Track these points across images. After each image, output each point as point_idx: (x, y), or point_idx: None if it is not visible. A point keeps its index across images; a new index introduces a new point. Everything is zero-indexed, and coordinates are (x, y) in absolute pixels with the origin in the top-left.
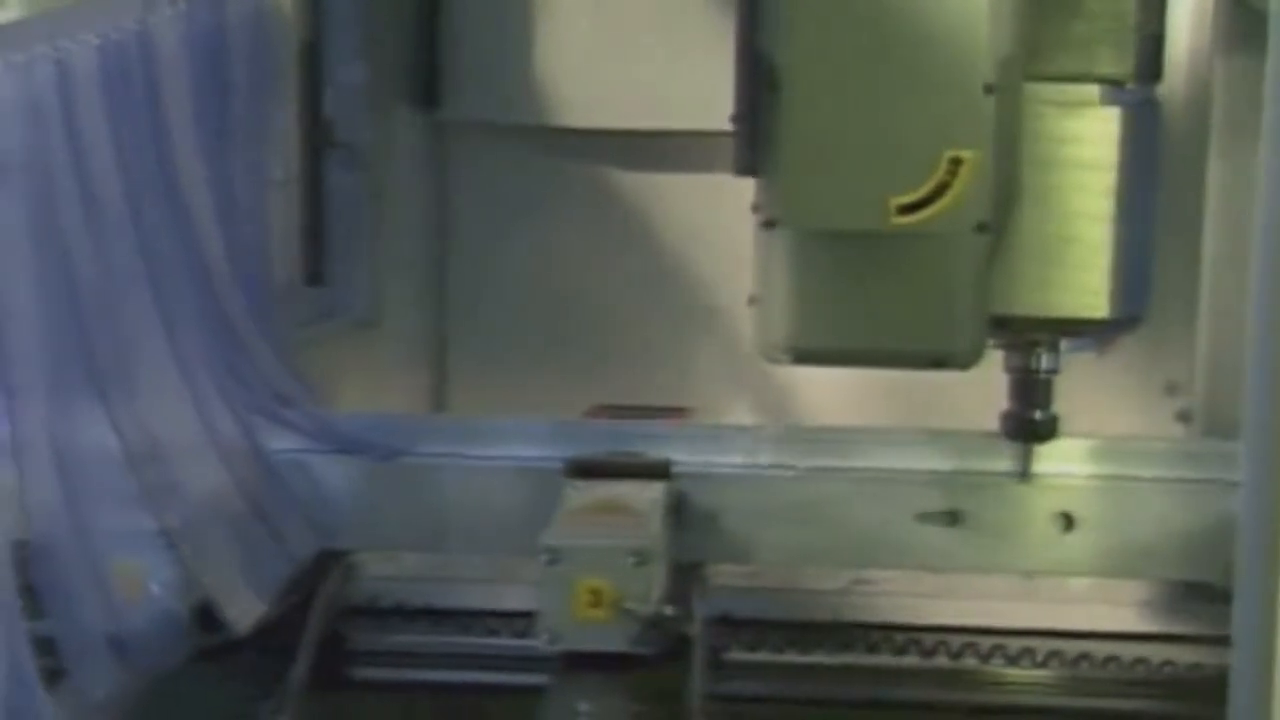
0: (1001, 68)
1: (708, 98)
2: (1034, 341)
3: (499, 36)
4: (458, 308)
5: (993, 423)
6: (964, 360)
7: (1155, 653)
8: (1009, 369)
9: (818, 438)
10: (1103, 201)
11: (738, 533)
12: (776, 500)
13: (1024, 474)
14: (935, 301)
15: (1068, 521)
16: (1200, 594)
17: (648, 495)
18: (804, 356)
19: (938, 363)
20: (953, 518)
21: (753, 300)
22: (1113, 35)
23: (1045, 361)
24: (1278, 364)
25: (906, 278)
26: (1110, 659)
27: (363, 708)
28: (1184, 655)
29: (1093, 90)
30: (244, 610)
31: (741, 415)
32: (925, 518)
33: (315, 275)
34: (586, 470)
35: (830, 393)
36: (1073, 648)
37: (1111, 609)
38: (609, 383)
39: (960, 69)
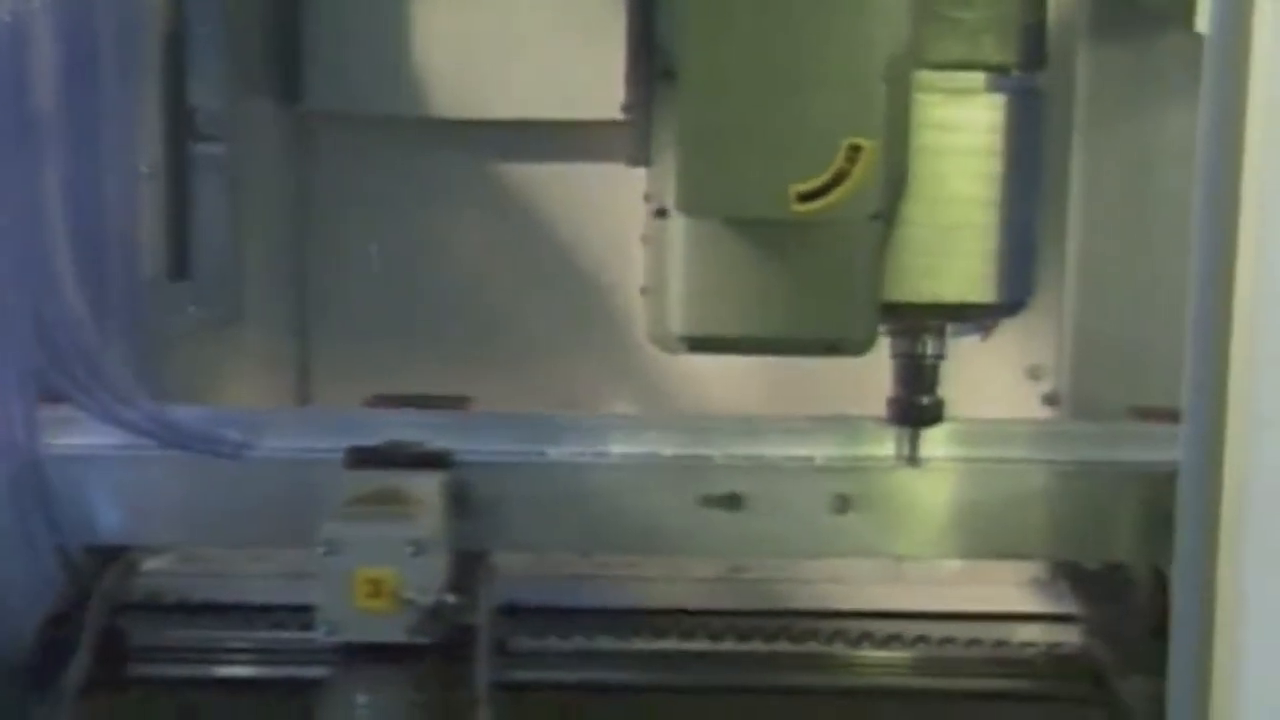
0: (896, 55)
1: (594, 87)
2: (921, 327)
3: (365, 27)
4: (322, 302)
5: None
6: (858, 347)
7: (1019, 634)
8: (895, 355)
9: (595, 424)
10: (988, 188)
11: (522, 522)
12: (561, 489)
13: (912, 458)
14: (830, 289)
15: (845, 503)
16: (1068, 574)
17: (427, 484)
18: (698, 345)
19: (832, 349)
20: (734, 501)
21: (645, 290)
22: (997, 24)
23: (931, 347)
24: (1216, 352)
25: (802, 265)
26: (974, 641)
27: (143, 705)
28: (1050, 636)
29: (978, 78)
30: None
31: (631, 406)
32: (707, 501)
33: (179, 269)
34: (365, 460)
35: (722, 383)
36: (938, 630)
37: (981, 589)
38: (479, 378)
39: (859, 56)
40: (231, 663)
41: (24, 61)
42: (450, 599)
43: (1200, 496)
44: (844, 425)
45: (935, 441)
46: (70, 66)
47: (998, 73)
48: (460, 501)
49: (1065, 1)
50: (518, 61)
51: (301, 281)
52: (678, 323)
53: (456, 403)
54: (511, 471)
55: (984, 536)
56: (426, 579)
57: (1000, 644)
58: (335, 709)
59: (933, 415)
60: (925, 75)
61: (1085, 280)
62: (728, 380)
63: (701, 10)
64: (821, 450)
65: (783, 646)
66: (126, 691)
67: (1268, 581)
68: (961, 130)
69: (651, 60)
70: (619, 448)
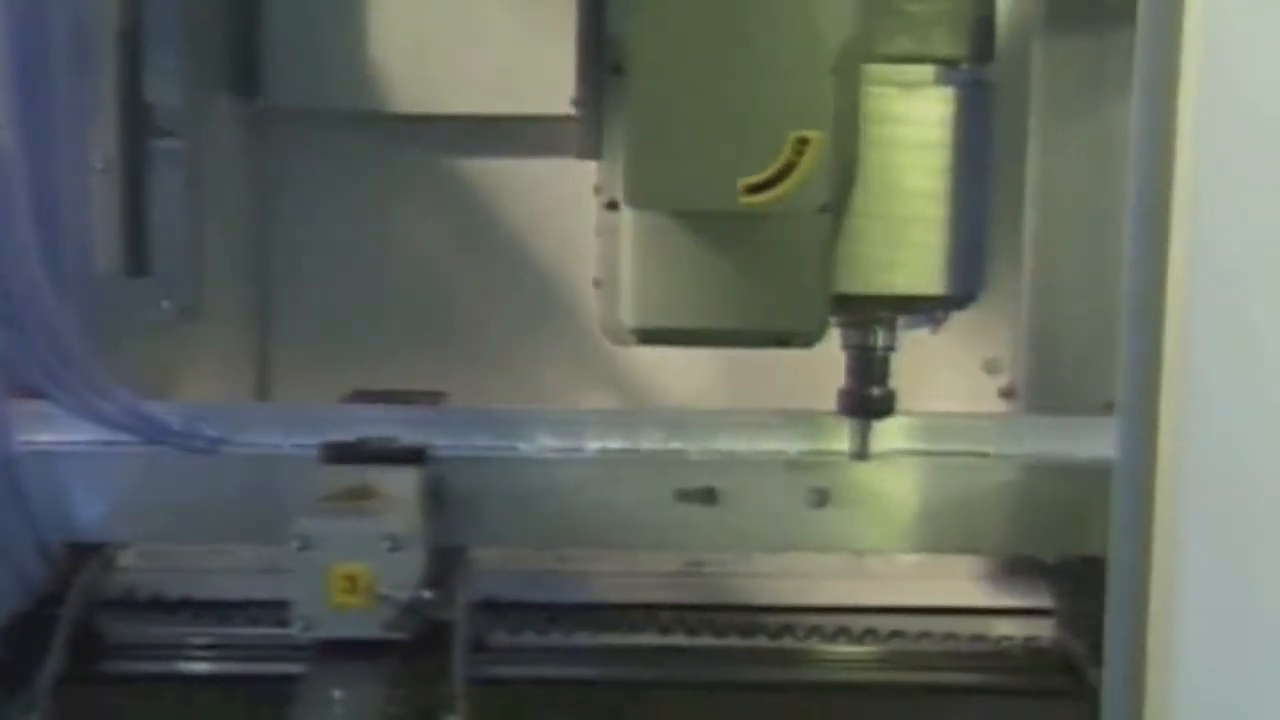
0: (843, 49)
1: (546, 82)
2: (872, 319)
3: (321, 22)
4: (280, 297)
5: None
6: (808, 339)
7: (989, 627)
8: (846, 346)
9: (571, 419)
10: (937, 180)
11: (498, 516)
12: (536, 483)
13: (862, 452)
14: (780, 281)
15: (821, 498)
16: (1028, 568)
17: (403, 479)
18: (649, 337)
19: (782, 341)
20: (710, 495)
21: (597, 282)
22: (947, 17)
23: (882, 339)
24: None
25: (751, 257)
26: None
27: (118, 702)
28: (1018, 629)
29: (927, 71)
30: None
31: (587, 400)
32: (683, 496)
33: (136, 265)
34: (340, 455)
35: (676, 376)
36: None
37: (942, 584)
38: (442, 372)
39: (806, 49)
40: (207, 659)
41: None
42: (426, 594)
43: (1134, 489)
44: (809, 419)
45: (895, 434)
46: (22, 62)
47: (947, 66)
48: (436, 497)
49: None
50: (474, 57)
51: (261, 277)
52: (628, 315)
53: (431, 398)
54: (487, 466)
55: (959, 532)
56: (403, 574)
57: (973, 638)
58: (311, 705)
59: (883, 407)
60: (875, 68)
61: (1042, 274)
62: (687, 372)
63: (649, 4)
64: (794, 444)
65: (761, 642)
66: (101, 687)
67: (1202, 573)
68: (911, 123)
69: (602, 55)
70: (593, 442)
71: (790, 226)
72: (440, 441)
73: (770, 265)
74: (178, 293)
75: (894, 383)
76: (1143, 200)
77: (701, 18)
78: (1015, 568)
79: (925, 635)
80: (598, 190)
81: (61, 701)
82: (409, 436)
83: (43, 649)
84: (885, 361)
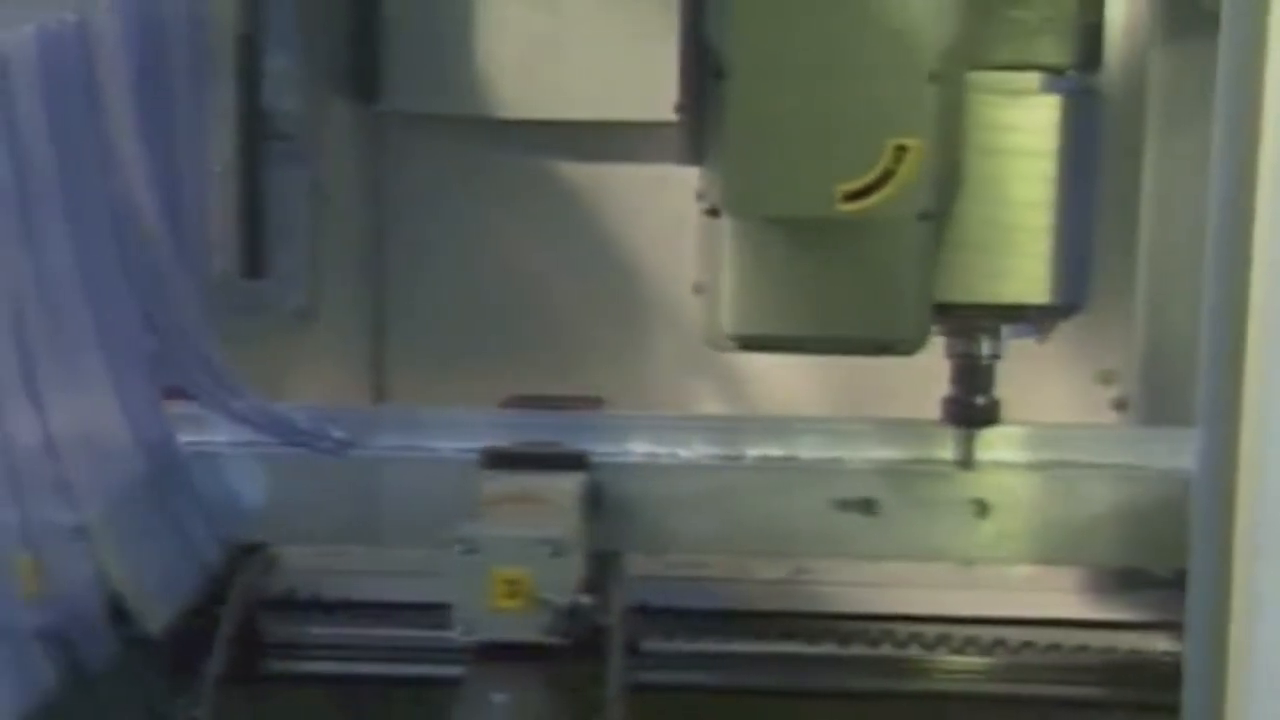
0: (945, 55)
1: (652, 88)
2: (976, 328)
3: (438, 27)
4: (396, 300)
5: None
6: (908, 346)
7: (1096, 639)
8: (951, 355)
9: (729, 426)
10: (1043, 189)
11: (654, 522)
12: (691, 489)
13: (966, 461)
14: (880, 288)
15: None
16: (1135, 580)
17: (564, 485)
18: (749, 343)
19: (882, 349)
20: (869, 505)
21: (698, 288)
22: (1053, 24)
23: (987, 347)
24: (1231, 352)
25: (851, 265)
26: (1053, 646)
27: (279, 701)
28: (1124, 641)
29: (1033, 79)
30: (154, 614)
31: (686, 404)
32: (842, 505)
33: (252, 268)
34: (502, 461)
35: (782, 380)
36: (1016, 635)
37: (1050, 595)
38: (553, 374)
39: (905, 56)
40: (365, 660)
41: (93, 62)
42: (585, 599)
43: (1214, 504)
44: (911, 428)
45: (1003, 444)
46: (140, 68)
47: (1054, 73)
48: (594, 502)
49: (1138, 3)
50: (584, 62)
51: (377, 280)
52: (727, 321)
53: (589, 403)
54: (645, 472)
55: (1086, 544)
56: (563, 580)
57: (1080, 649)
58: (470, 708)
59: (988, 416)
60: (981, 75)
61: (1156, 285)
62: (793, 377)
63: (748, 10)
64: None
65: (914, 652)
66: (262, 686)
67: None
68: (1017, 131)
69: (703, 60)
70: (752, 449)
71: (890, 233)
72: (599, 447)
73: (870, 272)
74: (295, 295)
75: (1006, 392)
76: (1224, 209)
77: (800, 24)
78: (1128, 581)
79: (1051, 647)
80: (699, 196)
81: (223, 700)
82: (568, 442)
83: (205, 648)
84: (990, 371)
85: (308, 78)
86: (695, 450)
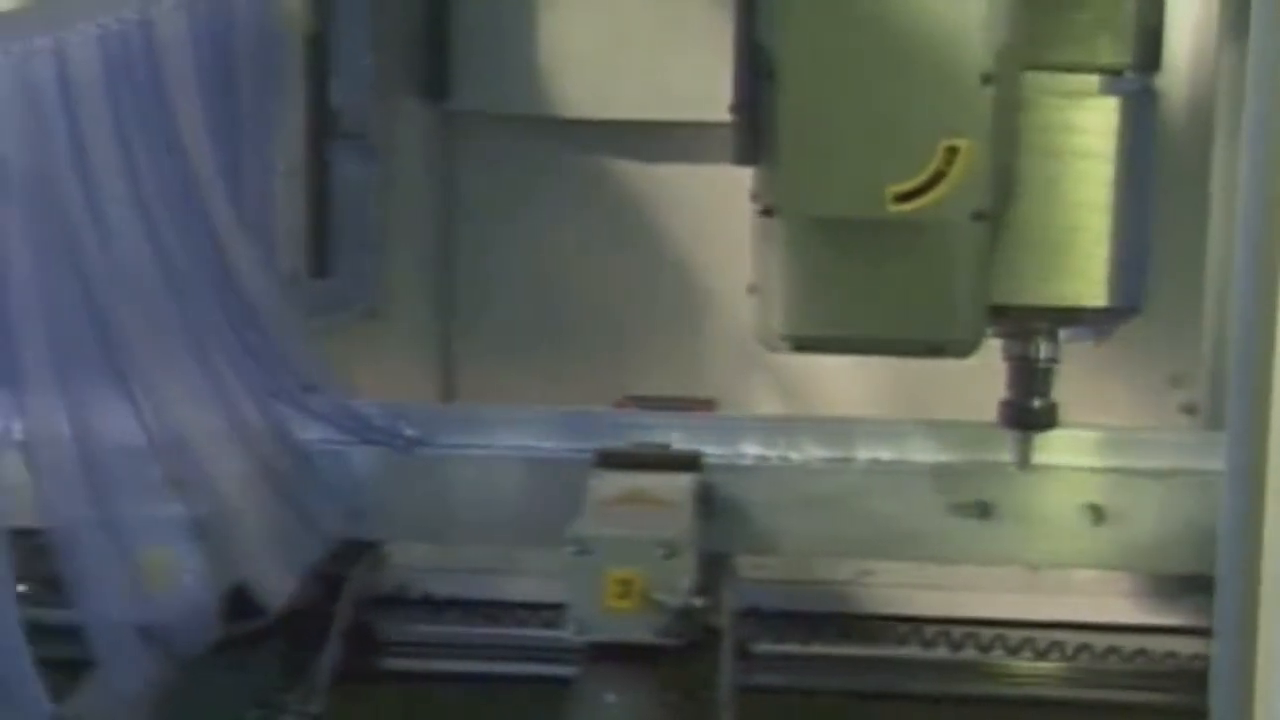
0: (999, 57)
1: (710, 88)
2: (1033, 330)
3: (506, 27)
4: (463, 298)
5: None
6: (962, 348)
7: (1156, 644)
8: (1008, 357)
9: (839, 429)
10: (1101, 191)
11: (764, 524)
12: (802, 492)
13: (1023, 463)
14: (933, 289)
15: (1097, 514)
16: (1196, 586)
17: (677, 486)
18: (802, 344)
19: (935, 350)
20: (984, 509)
21: (752, 288)
22: (1111, 25)
23: (1044, 350)
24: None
25: (905, 266)
26: (1111, 650)
27: (390, 698)
28: (1185, 647)
29: (1092, 80)
30: (274, 590)
31: (743, 402)
32: (956, 509)
33: (321, 266)
34: (615, 461)
35: (835, 381)
36: (1074, 639)
37: (1111, 600)
38: (615, 372)
39: (956, 58)
40: (475, 658)
41: (159, 60)
42: (698, 601)
43: (1243, 506)
44: (966, 430)
45: (1066, 448)
46: (207, 66)
47: (1112, 75)
48: (706, 503)
49: (1204, 6)
50: (644, 61)
51: (445, 279)
52: (781, 322)
53: (702, 405)
54: (757, 474)
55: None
56: (676, 581)
57: (1138, 654)
58: (583, 707)
59: (1045, 420)
60: (1038, 76)
61: (1225, 287)
62: (850, 376)
63: (800, 11)
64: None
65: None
66: (373, 683)
67: None
68: (1075, 132)
69: (757, 60)
70: (864, 452)
71: (944, 234)
72: (710, 449)
73: (924, 274)
74: (363, 294)
75: (1073, 396)
76: (1252, 206)
77: (851, 26)
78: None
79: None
80: (753, 197)
81: (336, 695)
82: (680, 443)
83: (318, 644)
84: (1047, 373)
85: (378, 77)
86: (806, 453)
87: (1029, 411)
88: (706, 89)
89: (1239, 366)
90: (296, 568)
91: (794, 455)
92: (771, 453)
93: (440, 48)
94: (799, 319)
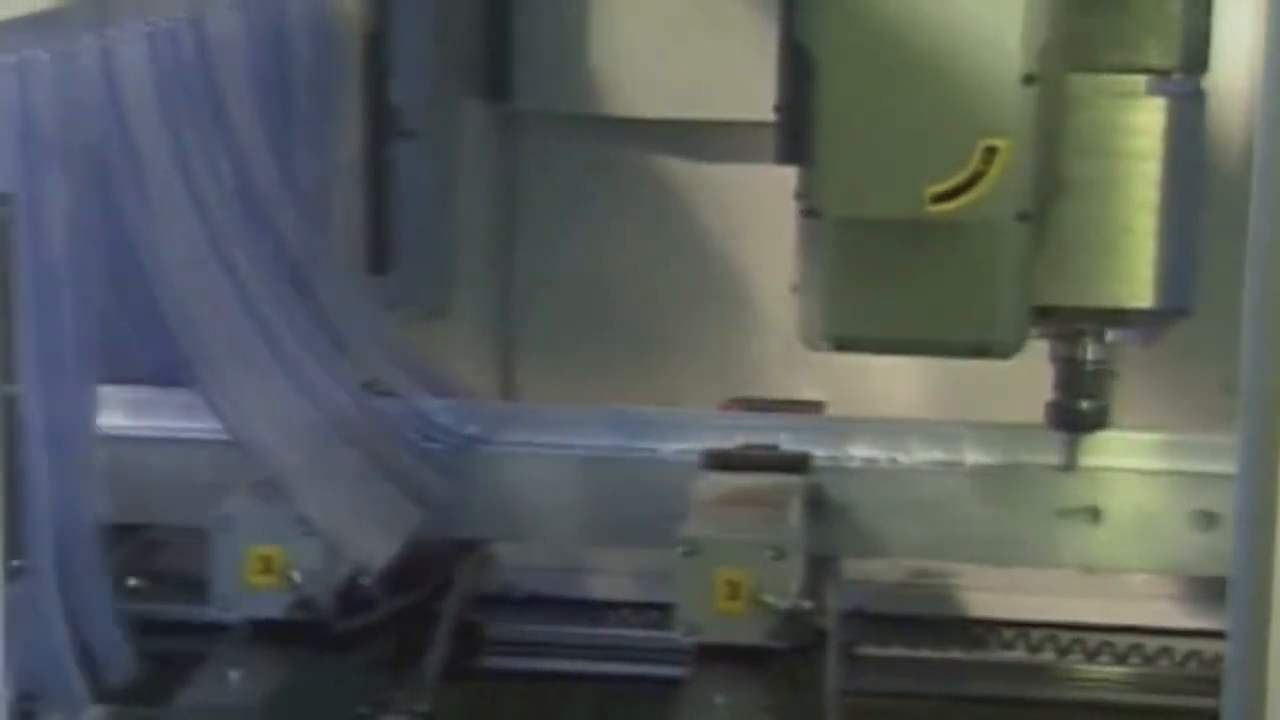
0: (1040, 57)
1: (764, 88)
2: (1079, 331)
3: (565, 27)
4: (524, 296)
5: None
6: (1005, 349)
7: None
8: (1054, 359)
9: (949, 432)
10: (1149, 191)
11: (871, 527)
12: (910, 494)
13: (1068, 465)
14: (976, 290)
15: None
16: None
17: (785, 488)
18: (845, 344)
19: (978, 352)
20: (1094, 514)
21: (795, 288)
22: (1159, 27)
23: (1091, 352)
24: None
25: (947, 266)
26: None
27: (497, 697)
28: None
29: (1139, 81)
30: (375, 551)
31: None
32: (1066, 514)
33: (379, 264)
34: (723, 463)
35: (883, 380)
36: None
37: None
38: (670, 372)
39: (995, 58)
40: (581, 658)
41: (211, 59)
42: (806, 604)
43: (1256, 507)
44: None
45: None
46: (261, 65)
47: (1160, 76)
48: (814, 505)
49: (1261, 7)
50: (693, 61)
51: (506, 277)
52: (823, 322)
53: (811, 407)
54: (865, 476)
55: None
56: (784, 583)
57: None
58: (691, 708)
59: (1093, 421)
60: (1085, 78)
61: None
62: (893, 376)
63: (839, 13)
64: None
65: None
66: (480, 681)
67: None
68: (1122, 133)
69: (799, 61)
70: (972, 455)
71: (985, 235)
72: (818, 451)
73: (966, 274)
74: (425, 292)
75: (1126, 401)
76: (1265, 202)
77: (890, 26)
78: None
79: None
80: (797, 196)
81: (443, 693)
82: (788, 445)
83: (425, 642)
84: (1094, 375)
85: (439, 75)
86: (914, 456)
87: (1075, 413)
88: (762, 88)
89: (1250, 365)
90: (398, 531)
91: (902, 458)
92: (879, 454)
93: (500, 48)
94: (841, 319)
